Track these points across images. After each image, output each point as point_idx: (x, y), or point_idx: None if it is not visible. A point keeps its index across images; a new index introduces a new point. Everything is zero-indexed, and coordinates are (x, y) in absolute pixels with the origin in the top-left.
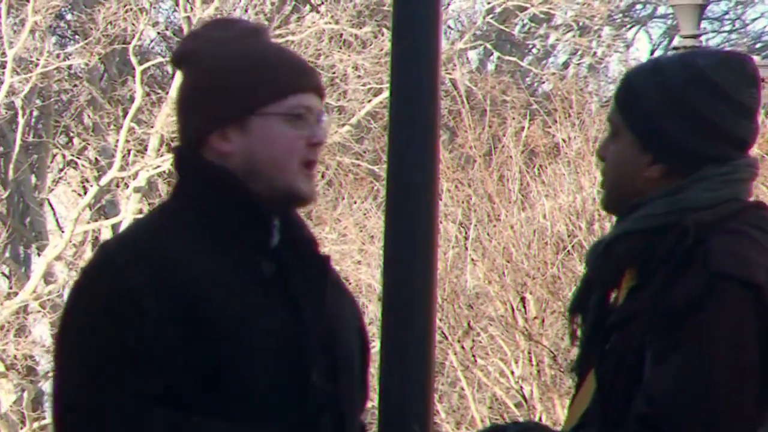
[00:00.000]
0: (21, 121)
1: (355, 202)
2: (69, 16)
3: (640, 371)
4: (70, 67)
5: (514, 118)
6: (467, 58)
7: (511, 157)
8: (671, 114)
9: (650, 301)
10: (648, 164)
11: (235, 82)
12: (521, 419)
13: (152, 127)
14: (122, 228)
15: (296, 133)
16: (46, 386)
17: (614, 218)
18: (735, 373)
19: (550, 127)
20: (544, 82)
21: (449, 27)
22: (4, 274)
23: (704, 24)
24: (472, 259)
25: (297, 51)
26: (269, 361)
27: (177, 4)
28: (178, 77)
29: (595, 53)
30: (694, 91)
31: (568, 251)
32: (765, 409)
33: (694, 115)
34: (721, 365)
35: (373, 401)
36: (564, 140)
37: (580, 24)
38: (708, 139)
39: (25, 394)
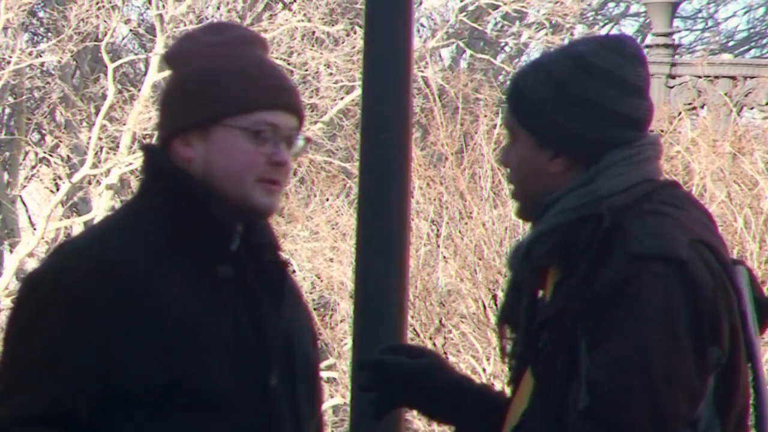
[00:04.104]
0: None
1: (327, 200)
2: (41, 14)
3: (576, 364)
4: (42, 64)
5: (486, 116)
6: (440, 56)
7: (483, 154)
8: (560, 104)
9: (575, 293)
10: (549, 159)
11: (204, 89)
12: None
13: (124, 124)
14: (79, 232)
15: (255, 149)
16: None
17: None
18: (670, 351)
19: None
20: None
21: (421, 25)
22: None
23: (677, 22)
24: (444, 257)
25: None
26: (228, 366)
27: (149, 2)
28: (151, 76)
29: None
30: (577, 77)
31: None
32: (706, 382)
33: (582, 102)
34: (655, 344)
35: (345, 398)
36: None
37: (553, 22)
38: (601, 122)
39: None
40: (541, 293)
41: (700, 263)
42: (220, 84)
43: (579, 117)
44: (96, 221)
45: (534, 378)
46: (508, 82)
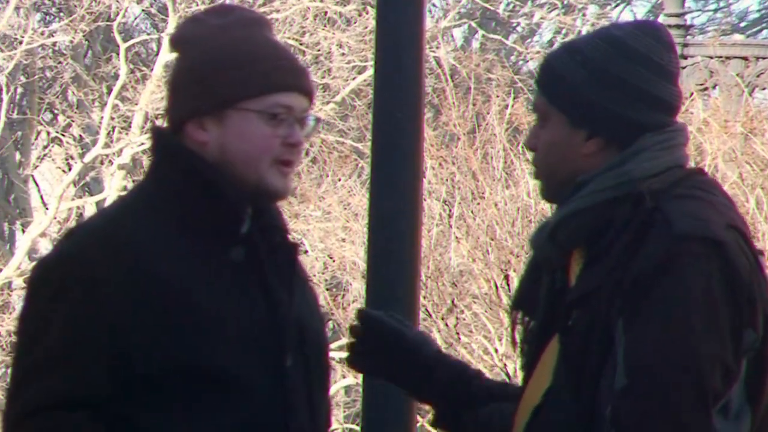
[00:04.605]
0: (5, 98)
1: (339, 180)
2: None
3: (611, 343)
4: (54, 44)
5: (498, 96)
6: (452, 36)
7: (495, 134)
8: (599, 86)
9: (611, 272)
10: (584, 140)
11: (217, 73)
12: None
13: (136, 104)
14: (90, 215)
15: (271, 132)
16: None
17: None
18: (710, 332)
19: None
20: (528, 61)
21: (433, 5)
22: None
23: (689, 2)
24: (456, 237)
25: (281, 29)
26: (243, 349)
27: None
28: (163, 56)
29: (579, 32)
30: (615, 60)
31: None
32: (740, 364)
33: (619, 83)
34: (696, 325)
35: (357, 378)
36: None
37: (565, 2)
38: (639, 104)
39: (9, 371)
40: (559, 274)
41: (736, 247)
42: (233, 67)
43: (617, 98)
44: (108, 201)
45: (563, 356)
46: (539, 65)
